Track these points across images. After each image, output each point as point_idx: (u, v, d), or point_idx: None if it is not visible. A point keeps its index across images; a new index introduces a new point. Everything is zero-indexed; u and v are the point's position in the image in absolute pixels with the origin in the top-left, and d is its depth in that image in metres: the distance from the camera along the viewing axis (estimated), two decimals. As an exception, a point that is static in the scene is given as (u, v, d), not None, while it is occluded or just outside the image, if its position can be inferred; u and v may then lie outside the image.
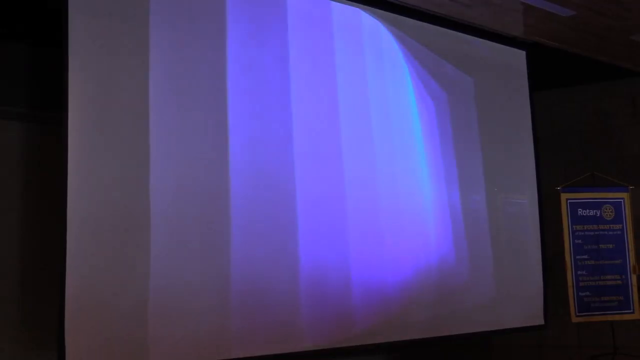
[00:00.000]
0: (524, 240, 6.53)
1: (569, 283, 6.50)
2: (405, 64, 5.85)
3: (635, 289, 6.58)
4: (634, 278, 6.59)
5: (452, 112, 6.14)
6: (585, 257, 6.58)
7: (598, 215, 6.66)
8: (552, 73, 7.27)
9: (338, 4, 5.47)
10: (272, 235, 4.85)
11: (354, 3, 5.56)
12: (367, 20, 5.64)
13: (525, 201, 6.59)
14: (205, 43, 4.70)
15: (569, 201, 6.61)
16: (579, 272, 6.54)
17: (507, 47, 6.59)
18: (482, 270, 6.15)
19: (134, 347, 4.21)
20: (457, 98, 6.20)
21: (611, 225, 6.67)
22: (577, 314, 6.48)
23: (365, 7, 5.62)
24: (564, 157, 7.46)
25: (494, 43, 6.49)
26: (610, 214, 6.68)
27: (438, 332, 5.84)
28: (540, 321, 6.51)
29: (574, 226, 6.59)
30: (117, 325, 4.16)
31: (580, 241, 6.58)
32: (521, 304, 6.41)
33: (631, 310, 6.55)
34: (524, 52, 6.70)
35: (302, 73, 5.15)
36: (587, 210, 6.64)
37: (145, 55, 4.41)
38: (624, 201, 6.70)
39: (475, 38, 6.34)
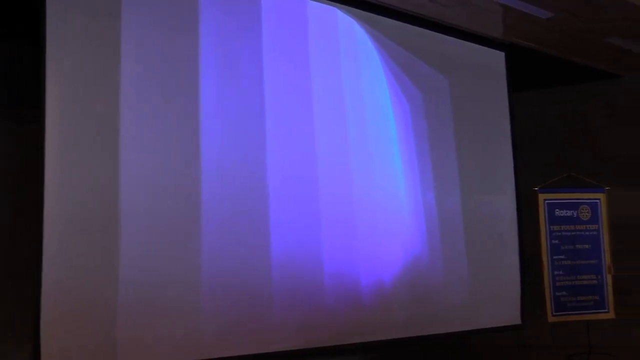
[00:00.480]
0: (501, 240, 6.55)
1: (546, 283, 6.54)
2: (381, 63, 5.85)
3: (610, 289, 6.64)
4: (609, 278, 6.64)
5: (429, 111, 6.13)
6: (562, 257, 6.62)
7: (575, 215, 6.71)
8: (531, 74, 7.31)
9: (314, 2, 5.46)
10: (245, 235, 4.83)
11: (330, 2, 5.55)
12: (343, 19, 5.63)
13: (503, 201, 6.61)
14: (178, 41, 4.67)
15: (546, 202, 6.65)
16: (555, 272, 6.58)
17: (487, 48, 6.62)
18: (459, 270, 6.16)
19: (107, 348, 4.20)
20: (435, 98, 6.21)
21: (587, 226, 6.72)
22: (554, 313, 6.52)
23: (341, 5, 5.60)
24: (542, 158, 7.50)
25: (473, 44, 6.51)
26: (587, 214, 6.73)
27: (415, 331, 5.86)
28: (517, 321, 6.55)
29: (551, 226, 6.63)
30: (92, 326, 4.15)
31: (557, 241, 6.62)
32: (499, 304, 6.43)
33: (606, 310, 6.61)
34: (503, 54, 6.73)
35: (276, 71, 5.14)
36: (564, 211, 6.69)
37: (117, 56, 4.37)
38: (600, 202, 6.75)
39: (454, 39, 6.36)
